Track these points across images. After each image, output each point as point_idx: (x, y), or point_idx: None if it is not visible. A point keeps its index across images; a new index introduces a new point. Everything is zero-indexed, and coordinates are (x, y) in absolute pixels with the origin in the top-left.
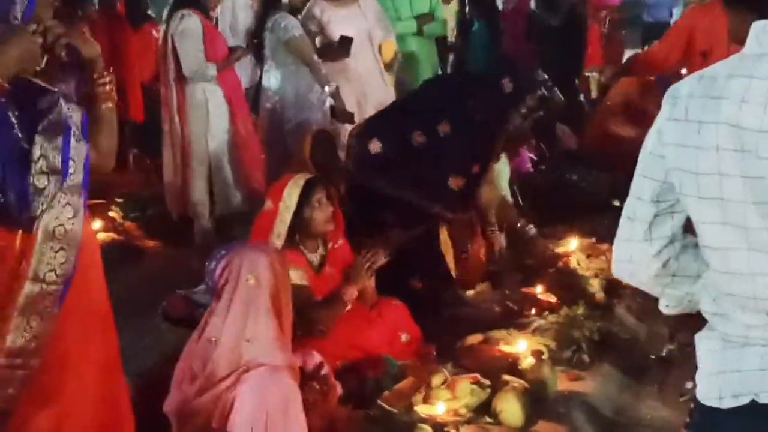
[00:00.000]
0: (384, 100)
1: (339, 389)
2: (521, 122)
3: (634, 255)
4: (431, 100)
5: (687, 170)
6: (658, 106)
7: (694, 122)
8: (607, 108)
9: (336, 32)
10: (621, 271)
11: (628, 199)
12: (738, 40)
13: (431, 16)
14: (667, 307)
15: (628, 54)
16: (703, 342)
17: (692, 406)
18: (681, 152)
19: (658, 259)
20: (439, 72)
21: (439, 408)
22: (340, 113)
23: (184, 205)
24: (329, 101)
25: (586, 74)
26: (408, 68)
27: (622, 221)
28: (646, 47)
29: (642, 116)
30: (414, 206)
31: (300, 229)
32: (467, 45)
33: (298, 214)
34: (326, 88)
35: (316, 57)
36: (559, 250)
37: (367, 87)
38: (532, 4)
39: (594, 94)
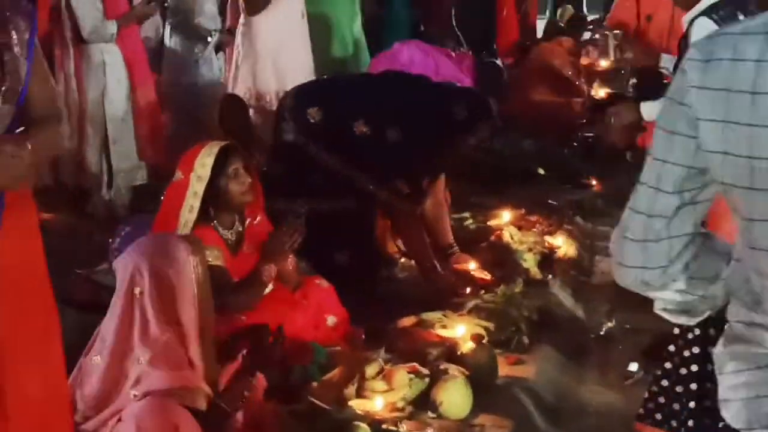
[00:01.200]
0: (302, 55)
1: (263, 383)
2: (469, 150)
3: (650, 258)
4: (382, 96)
5: (735, 154)
6: (579, 70)
7: (743, 93)
8: (527, 74)
9: None
10: (629, 279)
11: (639, 190)
12: (683, 3)
13: None
14: (665, 310)
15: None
16: (727, 357)
17: (646, 395)
18: (725, 131)
19: (679, 262)
20: (359, 17)
21: (376, 403)
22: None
23: (79, 175)
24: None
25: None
26: (326, 29)
27: (631, 217)
28: (559, 11)
29: (563, 81)
30: (345, 179)
31: (214, 202)
32: None
33: (212, 185)
34: (209, 39)
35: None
36: (491, 223)
37: (287, 36)
38: None
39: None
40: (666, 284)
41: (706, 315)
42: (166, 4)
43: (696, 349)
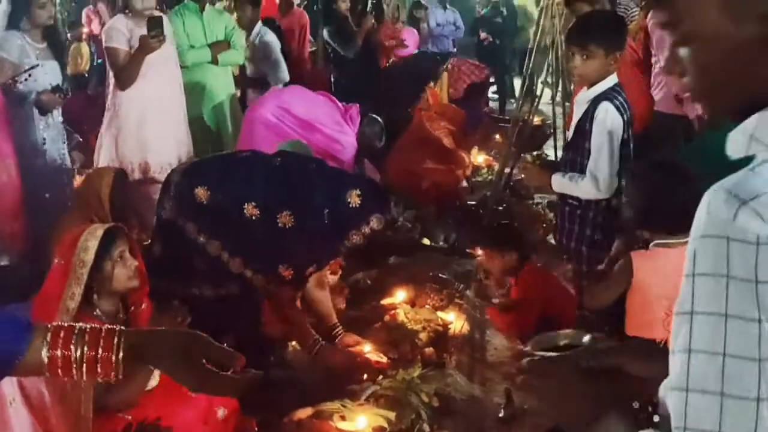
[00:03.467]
0: (172, 126)
1: None
2: (360, 241)
3: None
4: (275, 178)
5: None
6: (455, 137)
7: None
8: (406, 142)
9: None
10: None
11: (733, 408)
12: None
13: (227, 44)
14: None
15: None
16: None
17: None
18: None
19: None
20: (237, 103)
21: None
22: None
23: None
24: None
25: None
26: (201, 100)
27: None
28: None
29: (443, 150)
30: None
31: (98, 288)
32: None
33: (96, 270)
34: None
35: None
36: (385, 302)
37: (154, 107)
38: (325, 34)
39: None
40: None
41: None
42: None
43: None
